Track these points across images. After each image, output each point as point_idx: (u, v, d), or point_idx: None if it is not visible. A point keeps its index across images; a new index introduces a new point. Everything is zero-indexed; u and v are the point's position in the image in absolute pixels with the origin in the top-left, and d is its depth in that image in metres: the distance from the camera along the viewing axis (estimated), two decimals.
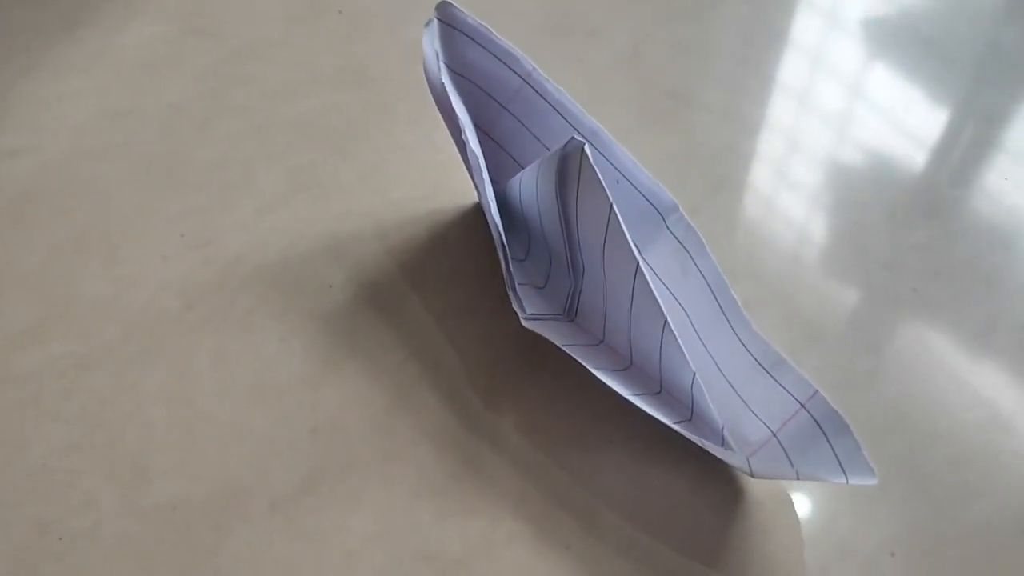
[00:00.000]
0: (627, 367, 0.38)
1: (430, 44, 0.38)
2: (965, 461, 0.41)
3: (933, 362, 0.46)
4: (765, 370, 0.35)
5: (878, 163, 0.63)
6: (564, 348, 0.38)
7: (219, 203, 0.56)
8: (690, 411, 0.36)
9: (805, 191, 0.60)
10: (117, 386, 0.45)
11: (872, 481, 0.32)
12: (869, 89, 0.71)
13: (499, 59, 0.38)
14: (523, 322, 0.39)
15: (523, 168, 0.42)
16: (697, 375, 0.34)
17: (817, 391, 0.34)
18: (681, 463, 0.38)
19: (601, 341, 0.39)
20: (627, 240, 0.33)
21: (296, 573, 0.37)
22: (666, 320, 0.33)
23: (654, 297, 0.33)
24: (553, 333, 0.38)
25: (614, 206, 0.33)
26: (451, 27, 0.37)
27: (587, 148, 0.34)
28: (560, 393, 0.42)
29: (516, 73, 0.38)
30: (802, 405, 0.34)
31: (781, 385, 0.35)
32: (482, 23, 0.38)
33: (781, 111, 0.68)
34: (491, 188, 0.38)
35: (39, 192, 0.57)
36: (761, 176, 0.60)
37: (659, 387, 0.37)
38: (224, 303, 0.49)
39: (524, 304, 0.39)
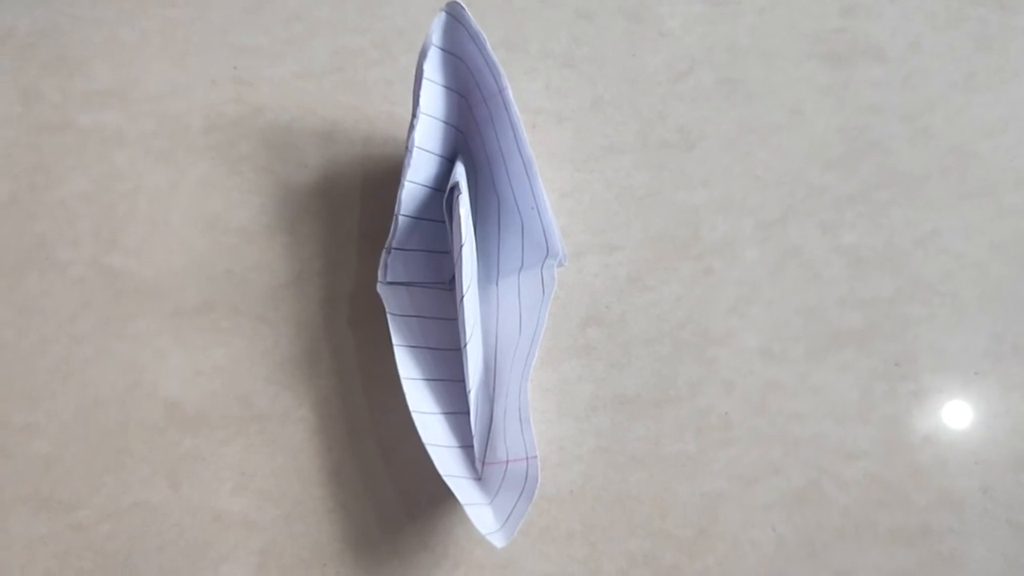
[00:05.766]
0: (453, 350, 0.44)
1: (432, 30, 0.42)
2: None
3: None
4: (520, 418, 0.42)
5: None
6: (391, 318, 0.42)
7: None
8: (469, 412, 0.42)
9: None
10: None
11: (499, 544, 0.38)
12: None
13: (487, 64, 0.43)
14: (377, 286, 0.43)
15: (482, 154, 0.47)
16: (472, 392, 0.41)
17: (537, 455, 0.40)
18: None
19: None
20: (461, 275, 0.40)
21: None
22: (466, 344, 0.40)
23: (463, 320, 0.40)
24: (399, 302, 0.43)
25: (464, 248, 0.39)
26: (457, 21, 0.42)
27: (459, 194, 0.40)
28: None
29: (496, 82, 0.43)
30: (527, 458, 0.40)
31: (523, 435, 0.41)
32: (481, 31, 0.43)
33: None
34: (417, 155, 0.43)
35: None
36: None
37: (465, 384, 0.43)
38: None
39: (388, 271, 0.43)
